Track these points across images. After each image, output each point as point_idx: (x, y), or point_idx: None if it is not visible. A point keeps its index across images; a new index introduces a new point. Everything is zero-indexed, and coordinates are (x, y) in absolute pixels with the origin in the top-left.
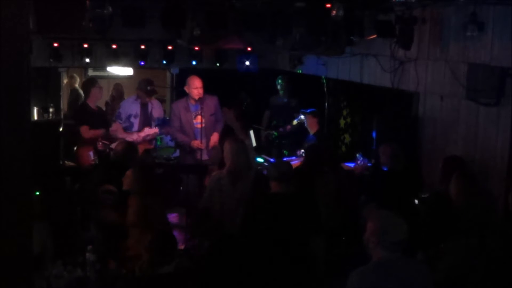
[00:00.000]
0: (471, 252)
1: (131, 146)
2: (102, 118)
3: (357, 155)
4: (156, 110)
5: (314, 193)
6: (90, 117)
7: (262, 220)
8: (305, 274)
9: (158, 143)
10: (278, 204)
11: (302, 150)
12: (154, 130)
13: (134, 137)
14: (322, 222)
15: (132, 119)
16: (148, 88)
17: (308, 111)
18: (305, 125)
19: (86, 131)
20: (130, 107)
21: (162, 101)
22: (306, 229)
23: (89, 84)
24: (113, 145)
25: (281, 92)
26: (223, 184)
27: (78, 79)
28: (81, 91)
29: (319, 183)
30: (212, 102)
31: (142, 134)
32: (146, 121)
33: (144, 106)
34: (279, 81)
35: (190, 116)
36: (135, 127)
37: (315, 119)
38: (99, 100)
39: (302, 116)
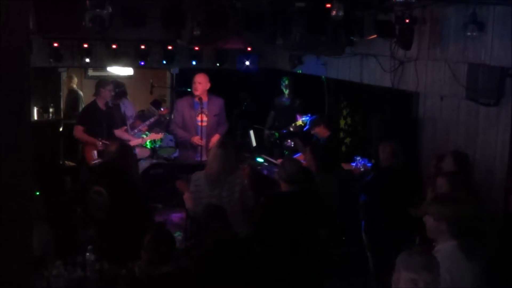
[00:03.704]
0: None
1: (123, 147)
2: (110, 117)
3: (357, 158)
4: (129, 109)
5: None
6: (93, 117)
7: (272, 219)
8: (315, 270)
9: (159, 143)
10: (287, 202)
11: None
12: (160, 135)
13: (139, 141)
14: (329, 217)
15: None
16: (116, 90)
17: (310, 119)
18: (316, 136)
19: (78, 131)
20: None
21: (162, 101)
22: (315, 226)
23: (99, 84)
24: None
25: (285, 92)
26: (199, 184)
27: (76, 79)
28: (80, 92)
29: (321, 183)
30: (217, 103)
31: (147, 138)
32: (122, 121)
33: (116, 107)
34: (285, 81)
35: (193, 113)
36: None
37: (322, 126)
38: (108, 99)
39: (303, 118)
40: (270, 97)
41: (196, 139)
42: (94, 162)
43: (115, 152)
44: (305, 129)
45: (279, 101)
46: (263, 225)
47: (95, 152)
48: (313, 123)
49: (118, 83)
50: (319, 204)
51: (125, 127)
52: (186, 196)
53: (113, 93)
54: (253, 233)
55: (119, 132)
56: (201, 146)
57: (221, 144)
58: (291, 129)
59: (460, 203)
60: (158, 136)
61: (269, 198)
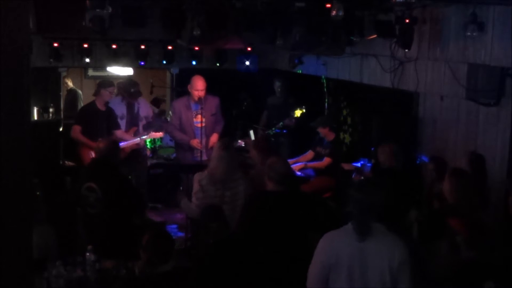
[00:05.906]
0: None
1: (113, 144)
2: (109, 118)
3: (361, 161)
4: (143, 108)
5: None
6: (91, 118)
7: (260, 218)
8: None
9: (158, 143)
10: (274, 202)
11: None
12: (159, 134)
13: (137, 141)
14: (322, 220)
15: (119, 120)
16: (132, 90)
17: (320, 117)
18: (320, 135)
19: (75, 131)
20: (117, 108)
21: (162, 101)
22: (305, 226)
23: (101, 85)
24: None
25: (278, 92)
26: (203, 184)
27: (70, 79)
28: (78, 91)
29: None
30: (213, 102)
31: (147, 137)
32: (133, 121)
33: (130, 106)
34: (277, 82)
35: (190, 115)
36: (122, 128)
37: (327, 128)
38: (107, 100)
39: (303, 110)
40: (267, 98)
41: (195, 143)
42: None
43: (105, 148)
44: (311, 124)
45: (272, 101)
46: (248, 224)
47: (92, 153)
48: (319, 122)
49: (134, 83)
50: (310, 207)
51: (135, 128)
52: (192, 201)
53: (113, 96)
54: (238, 232)
55: (120, 133)
56: (199, 149)
57: (224, 145)
58: (282, 123)
59: (360, 190)
60: (158, 135)
61: (253, 197)
